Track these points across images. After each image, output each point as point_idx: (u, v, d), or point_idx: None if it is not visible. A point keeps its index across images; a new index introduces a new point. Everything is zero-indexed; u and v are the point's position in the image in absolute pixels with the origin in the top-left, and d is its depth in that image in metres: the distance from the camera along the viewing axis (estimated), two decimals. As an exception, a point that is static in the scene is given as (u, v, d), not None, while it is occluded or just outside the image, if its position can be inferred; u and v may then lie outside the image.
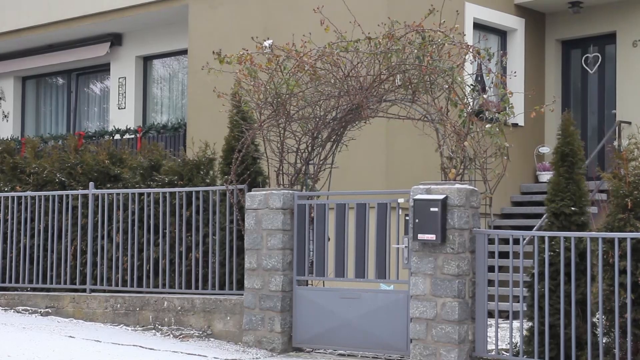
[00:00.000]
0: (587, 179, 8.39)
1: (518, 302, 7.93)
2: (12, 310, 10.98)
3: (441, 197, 7.96)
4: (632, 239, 7.23)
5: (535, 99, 14.62)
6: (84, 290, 10.77)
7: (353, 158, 11.14)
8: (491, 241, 8.13)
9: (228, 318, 9.53)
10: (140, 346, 8.92)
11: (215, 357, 8.47)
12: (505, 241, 8.20)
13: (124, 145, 14.23)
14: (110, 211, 10.66)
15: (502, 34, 15.22)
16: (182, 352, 8.65)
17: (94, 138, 17.27)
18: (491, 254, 8.11)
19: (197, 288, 9.93)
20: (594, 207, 10.52)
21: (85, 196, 10.88)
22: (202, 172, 10.60)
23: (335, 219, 8.89)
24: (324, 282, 9.32)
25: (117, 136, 17.15)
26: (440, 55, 9.33)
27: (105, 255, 10.67)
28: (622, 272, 7.25)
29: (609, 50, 15.30)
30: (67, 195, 11.01)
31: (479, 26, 14.58)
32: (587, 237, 7.55)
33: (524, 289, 7.88)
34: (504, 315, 8.30)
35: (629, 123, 14.15)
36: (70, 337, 9.37)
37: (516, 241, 8.09)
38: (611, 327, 7.42)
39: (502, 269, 8.30)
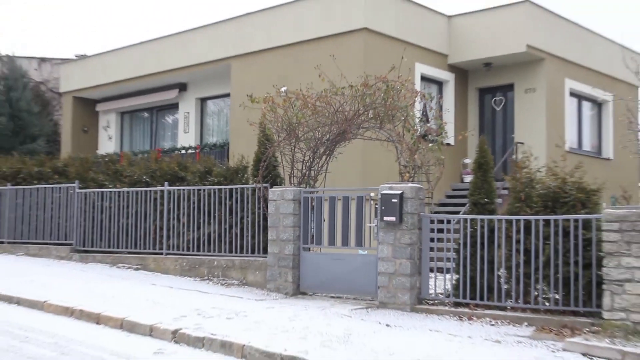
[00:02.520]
0: (495, 180, 8.48)
1: (449, 261, 7.97)
2: (115, 267, 11.10)
3: (399, 192, 8.00)
4: (524, 220, 7.38)
5: (461, 126, 14.76)
6: (161, 254, 10.81)
7: (340, 166, 10.98)
8: (432, 221, 8.21)
9: (257, 272, 9.56)
10: (199, 290, 9.09)
11: (248, 298, 8.61)
12: (441, 222, 8.24)
13: (188, 157, 14.24)
14: (178, 201, 10.68)
15: (439, 83, 15.17)
16: (226, 295, 8.80)
17: (167, 152, 17.29)
18: (432, 230, 8.18)
19: (236, 252, 9.97)
20: (500, 199, 10.50)
21: (162, 191, 10.91)
22: (239, 175, 10.61)
23: (328, 206, 8.91)
24: (320, 248, 9.32)
25: (183, 151, 17.18)
26: (398, 98, 9.36)
27: (175, 230, 10.70)
28: (517, 242, 7.39)
29: (510, 95, 15.26)
30: (150, 191, 11.08)
31: (424, 78, 14.56)
32: (495, 219, 7.66)
33: (453, 253, 7.95)
34: (440, 271, 8.34)
35: (523, 143, 14.12)
36: (153, 284, 9.54)
37: (448, 222, 8.14)
38: (510, 278, 7.50)
39: (439, 240, 8.33)
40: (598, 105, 16.72)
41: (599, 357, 5.85)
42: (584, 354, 5.94)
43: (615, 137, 16.28)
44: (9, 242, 12.69)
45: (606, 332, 6.33)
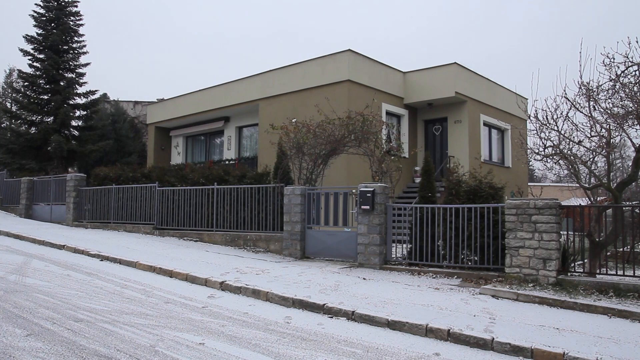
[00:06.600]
0: (436, 181, 8.50)
1: (405, 236, 7.92)
2: (181, 239, 10.86)
3: (372, 189, 7.93)
4: (454, 207, 7.29)
5: (413, 145, 14.62)
6: (212, 230, 10.59)
7: (332, 172, 11.03)
8: (394, 209, 8.14)
9: (276, 243, 9.44)
10: (237, 255, 8.93)
11: (270, 261, 8.48)
12: (399, 209, 8.21)
13: (230, 166, 14.06)
14: (224, 195, 10.49)
15: (398, 117, 15.07)
16: (255, 259, 8.64)
17: (216, 163, 17.12)
18: (394, 215, 8.12)
19: (262, 229, 9.83)
20: (439, 194, 10.51)
21: (213, 189, 10.67)
22: (264, 178, 10.47)
23: (324, 199, 8.83)
24: (319, 227, 9.23)
25: (227, 162, 17.00)
26: (371, 126, 9.33)
27: (221, 215, 10.44)
28: (450, 222, 7.31)
29: (444, 124, 15.16)
30: (205, 188, 10.79)
31: (388, 113, 14.44)
32: (435, 207, 7.57)
33: (407, 230, 7.88)
34: (399, 242, 8.30)
35: (453, 156, 14.12)
36: (206, 251, 9.38)
37: (405, 209, 8.07)
38: (445, 246, 7.44)
39: (399, 221, 8.29)
40: (501, 131, 16.68)
41: (502, 297, 5.84)
42: (493, 295, 5.91)
43: (512, 153, 16.29)
44: (114, 222, 12.60)
45: (507, 281, 6.32)
